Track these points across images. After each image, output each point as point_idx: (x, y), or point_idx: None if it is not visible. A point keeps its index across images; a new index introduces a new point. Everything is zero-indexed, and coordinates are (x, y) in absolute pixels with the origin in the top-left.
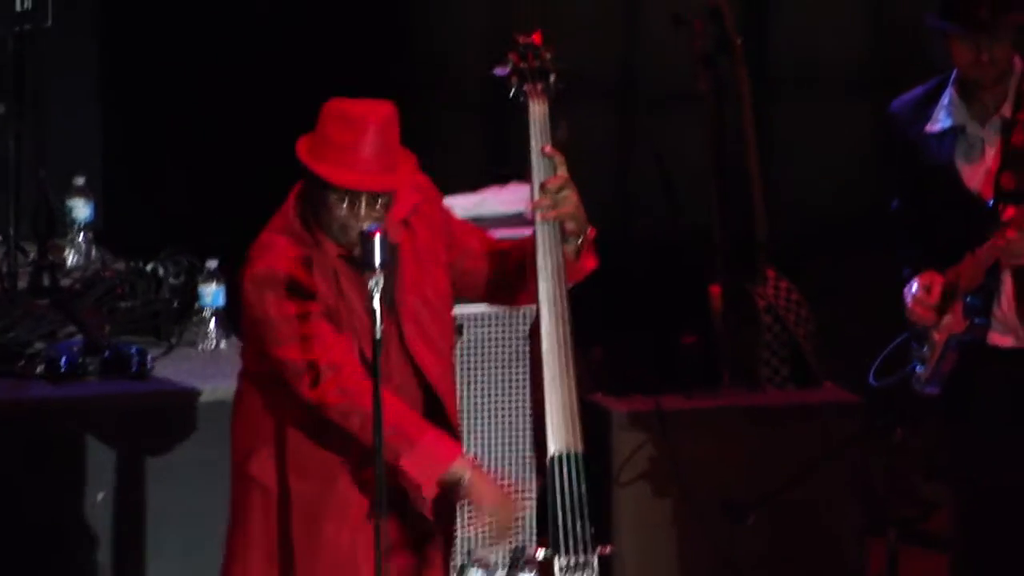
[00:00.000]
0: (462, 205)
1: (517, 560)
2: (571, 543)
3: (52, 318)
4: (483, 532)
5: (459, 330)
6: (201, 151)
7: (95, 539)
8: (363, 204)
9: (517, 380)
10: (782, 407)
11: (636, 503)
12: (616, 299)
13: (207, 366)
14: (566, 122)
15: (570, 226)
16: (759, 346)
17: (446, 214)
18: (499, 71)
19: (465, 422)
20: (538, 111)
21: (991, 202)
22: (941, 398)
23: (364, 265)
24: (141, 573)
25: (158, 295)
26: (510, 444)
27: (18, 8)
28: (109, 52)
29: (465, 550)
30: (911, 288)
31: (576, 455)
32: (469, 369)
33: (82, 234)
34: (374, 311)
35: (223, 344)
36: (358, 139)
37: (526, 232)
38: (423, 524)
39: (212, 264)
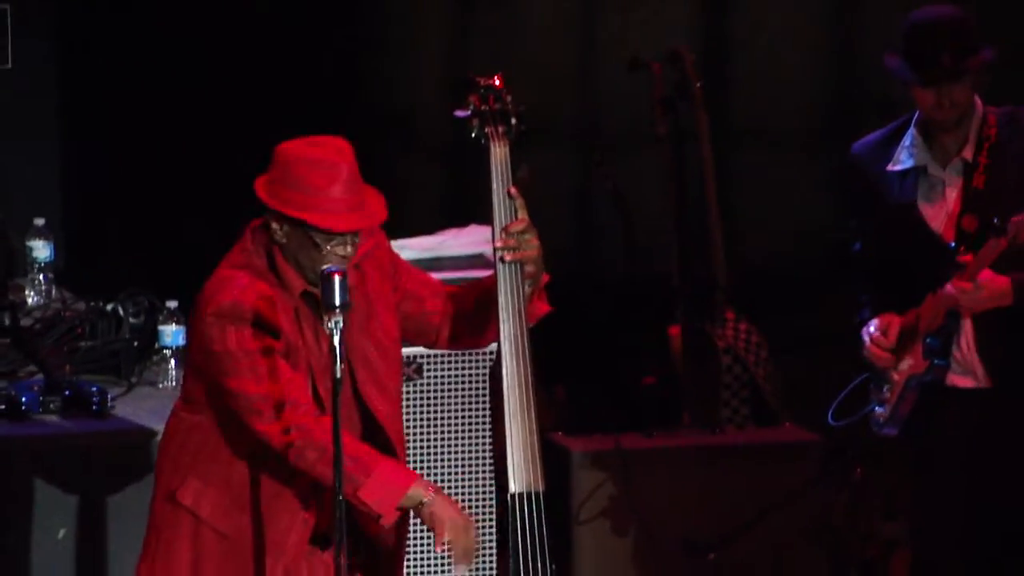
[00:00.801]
0: (422, 247)
1: None
2: None
3: (12, 357)
4: (445, 555)
5: (419, 369)
6: (161, 192)
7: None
8: (347, 243)
9: (477, 419)
10: (742, 447)
11: (596, 541)
12: (577, 339)
13: (167, 405)
14: (527, 164)
15: (529, 269)
16: (719, 387)
17: (394, 257)
18: (460, 113)
19: (425, 460)
20: (499, 153)
21: (952, 244)
22: (900, 439)
23: (325, 305)
24: None
25: (118, 335)
26: (470, 483)
27: None
28: (68, 94)
29: None
30: (868, 329)
31: (537, 494)
32: (429, 408)
33: (42, 274)
34: (334, 349)
35: None
36: (332, 181)
37: (485, 274)
38: (369, 554)
39: (172, 304)
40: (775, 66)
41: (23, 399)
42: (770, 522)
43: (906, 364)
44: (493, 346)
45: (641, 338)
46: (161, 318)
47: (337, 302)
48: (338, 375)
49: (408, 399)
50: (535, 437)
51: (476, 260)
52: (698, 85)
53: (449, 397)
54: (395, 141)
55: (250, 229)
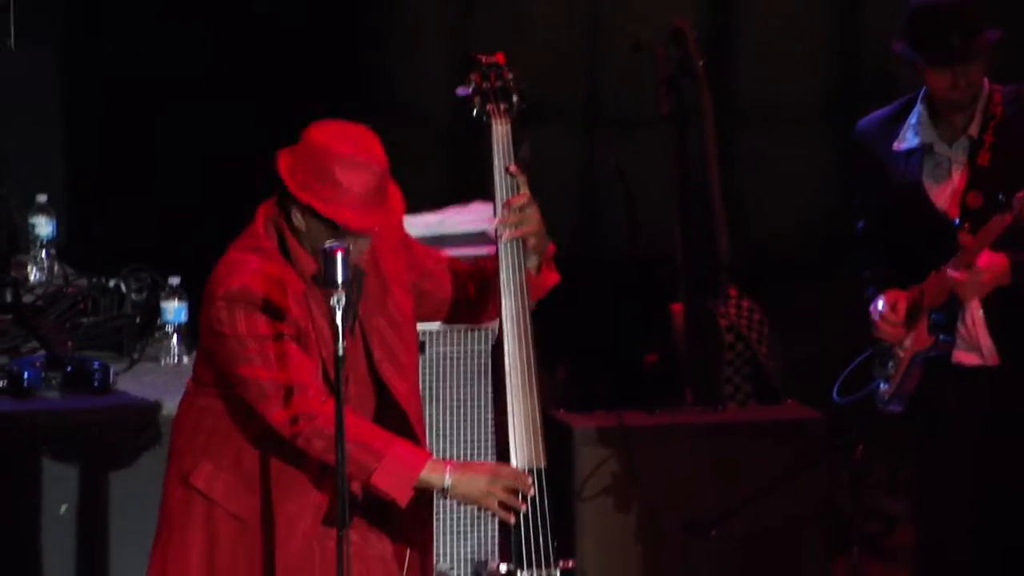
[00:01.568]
0: (424, 223)
1: (479, 574)
2: (534, 557)
3: (15, 333)
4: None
5: (421, 347)
6: (163, 169)
7: (58, 552)
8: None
9: (479, 396)
10: (744, 424)
11: (598, 518)
12: (580, 317)
13: (169, 381)
14: (528, 142)
15: (532, 242)
16: (721, 364)
17: (406, 237)
18: (461, 91)
19: (427, 437)
20: (500, 131)
21: (956, 221)
22: (904, 415)
23: (327, 282)
24: None
25: (120, 311)
26: (472, 459)
27: None
28: (71, 70)
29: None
30: (876, 306)
31: (539, 470)
32: (431, 385)
33: (44, 251)
34: (335, 327)
35: (185, 359)
36: (361, 181)
37: (488, 251)
38: (388, 536)
39: (174, 281)
40: (779, 44)
41: (25, 375)
42: (772, 499)
43: (911, 340)
44: (496, 323)
45: (643, 316)
46: (163, 294)
47: (339, 279)
48: (340, 352)
49: None
50: (537, 414)
51: (479, 237)
52: (700, 63)
53: (451, 374)
54: (398, 120)
55: (262, 210)
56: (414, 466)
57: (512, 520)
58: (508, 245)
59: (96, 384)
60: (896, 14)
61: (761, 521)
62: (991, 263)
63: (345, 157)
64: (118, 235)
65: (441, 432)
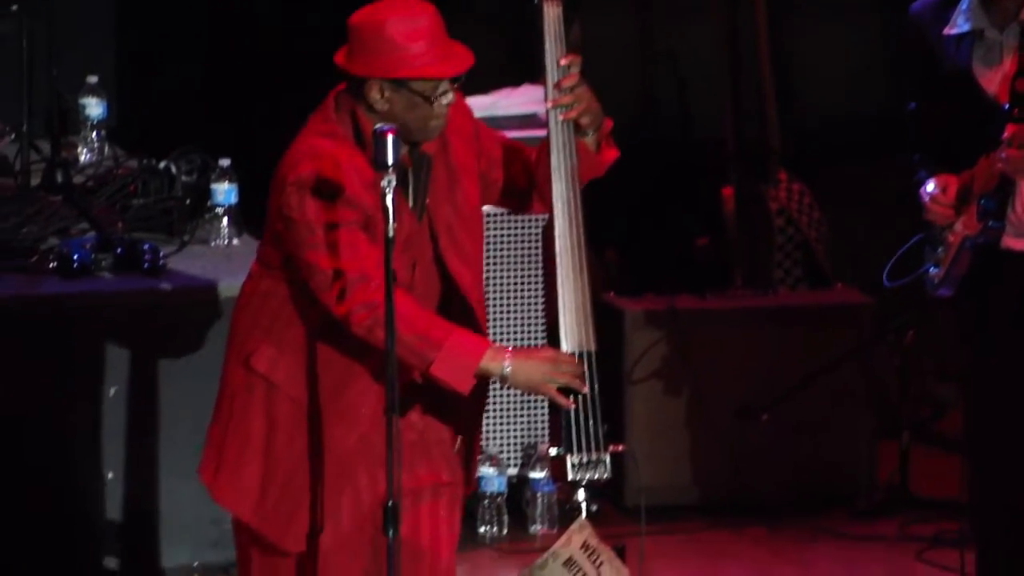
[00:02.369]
0: (475, 106)
1: (530, 457)
2: (584, 441)
3: (65, 214)
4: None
5: None
6: (214, 50)
7: (108, 433)
8: (448, 93)
9: (530, 279)
10: (794, 308)
11: (648, 402)
12: (630, 201)
13: (219, 264)
14: (578, 24)
15: (585, 120)
16: (772, 248)
17: (477, 124)
18: None
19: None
20: (552, 13)
21: (1007, 106)
22: (954, 300)
23: (378, 164)
24: (153, 467)
25: (171, 193)
26: (523, 343)
27: None
28: None
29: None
30: (926, 188)
31: (589, 354)
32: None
33: (95, 132)
34: (386, 209)
35: (235, 242)
36: (418, 34)
37: (539, 133)
38: (441, 428)
39: (225, 162)
40: None
41: (75, 256)
42: (822, 384)
43: (960, 225)
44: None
45: (694, 199)
46: (214, 176)
47: (390, 160)
48: (391, 234)
49: None
50: (587, 297)
51: (529, 120)
52: None
53: (504, 257)
54: (449, 4)
55: (333, 96)
56: (474, 355)
57: (572, 405)
58: (559, 127)
59: (146, 266)
60: None
61: (811, 406)
62: None
63: (395, 18)
64: (168, 117)
65: (494, 316)
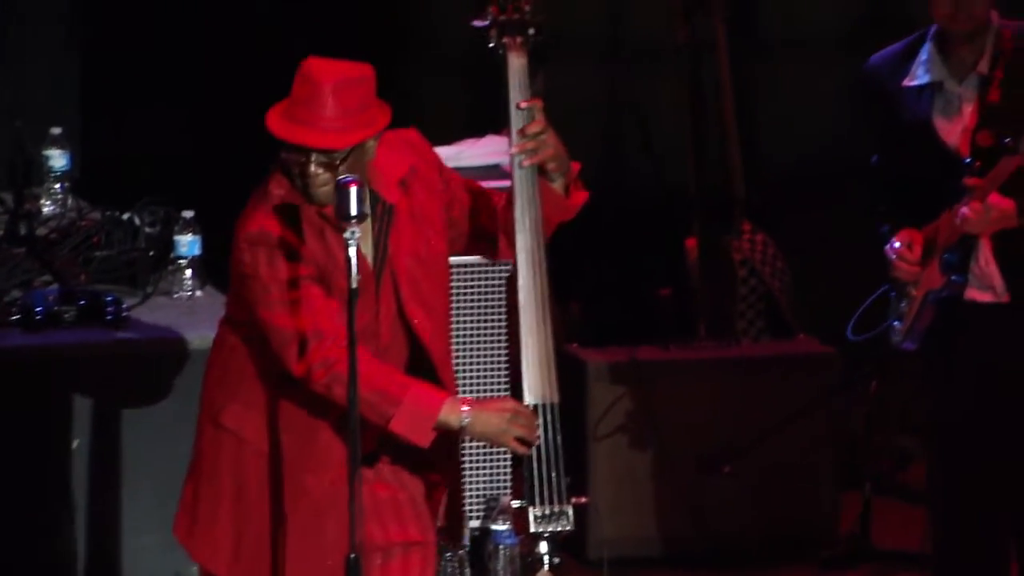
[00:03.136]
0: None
1: (492, 509)
2: (546, 493)
3: (28, 266)
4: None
5: None
6: (177, 102)
7: (70, 486)
8: (311, 163)
9: (494, 330)
10: (757, 359)
11: (611, 454)
12: (593, 251)
13: (182, 315)
14: (543, 74)
15: (552, 166)
16: (735, 299)
17: (445, 173)
18: (478, 23)
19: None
20: (516, 64)
21: (968, 159)
22: (918, 351)
23: (340, 216)
24: (116, 520)
25: (134, 244)
26: (486, 395)
27: None
28: (87, 3)
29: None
30: (893, 244)
31: (552, 406)
32: None
33: (59, 183)
34: (349, 260)
35: (199, 293)
36: (311, 96)
37: (503, 183)
38: (415, 484)
39: (188, 214)
40: None
41: (38, 308)
42: (785, 435)
43: (923, 279)
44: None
45: (657, 250)
46: (177, 228)
47: (353, 212)
48: (354, 285)
49: None
50: (550, 349)
51: (493, 170)
52: None
53: (466, 309)
54: (414, 54)
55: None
56: (432, 408)
57: (527, 452)
58: (523, 177)
59: (109, 318)
60: None
61: (774, 457)
62: (999, 203)
63: (303, 74)
64: (132, 168)
65: (457, 366)
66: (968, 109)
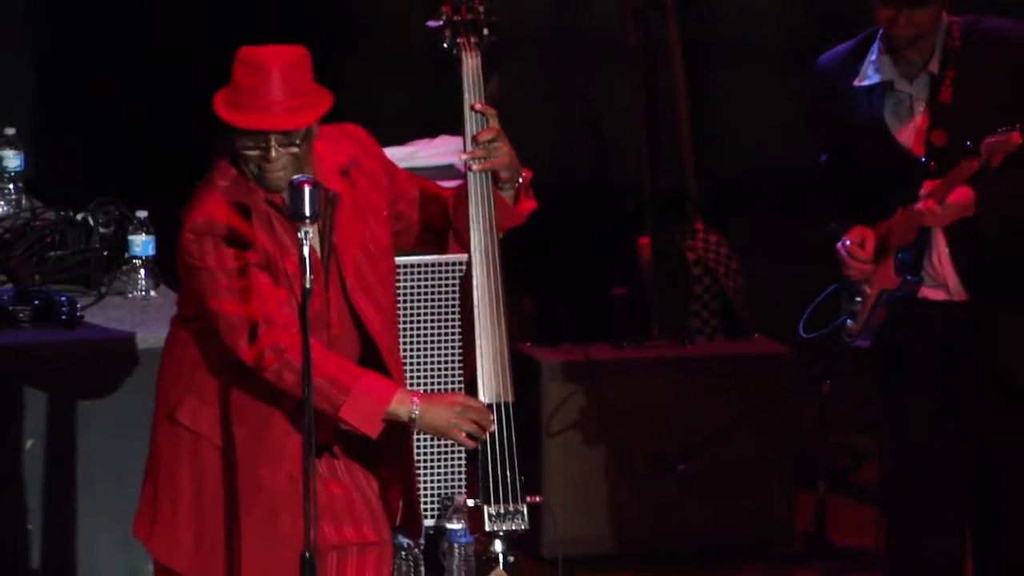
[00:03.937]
0: (393, 157)
1: (447, 508)
2: (501, 492)
3: None
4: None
5: None
6: (132, 102)
7: (25, 487)
8: (272, 147)
9: (447, 330)
10: (711, 358)
11: (565, 453)
12: (547, 251)
13: (137, 315)
14: (497, 75)
15: (504, 175)
16: (689, 298)
17: (389, 167)
18: (432, 24)
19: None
20: (470, 64)
21: (922, 159)
22: (871, 350)
23: (294, 216)
24: (71, 519)
25: (88, 244)
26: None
27: None
28: (38, 3)
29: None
30: (844, 243)
31: (506, 404)
32: (399, 319)
33: (12, 184)
34: (303, 260)
35: (153, 293)
36: (261, 81)
37: (457, 183)
38: (369, 482)
39: (142, 214)
40: None
41: None
42: (739, 434)
43: (877, 278)
44: (463, 257)
45: (611, 249)
46: (131, 228)
47: (307, 212)
48: (308, 284)
49: None
50: (504, 348)
51: (446, 171)
52: None
53: (419, 308)
54: (366, 53)
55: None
56: (382, 399)
57: (474, 446)
58: (477, 178)
59: (64, 318)
60: None
61: (728, 456)
62: (958, 197)
63: (244, 60)
64: (86, 168)
65: (410, 366)
66: (920, 109)
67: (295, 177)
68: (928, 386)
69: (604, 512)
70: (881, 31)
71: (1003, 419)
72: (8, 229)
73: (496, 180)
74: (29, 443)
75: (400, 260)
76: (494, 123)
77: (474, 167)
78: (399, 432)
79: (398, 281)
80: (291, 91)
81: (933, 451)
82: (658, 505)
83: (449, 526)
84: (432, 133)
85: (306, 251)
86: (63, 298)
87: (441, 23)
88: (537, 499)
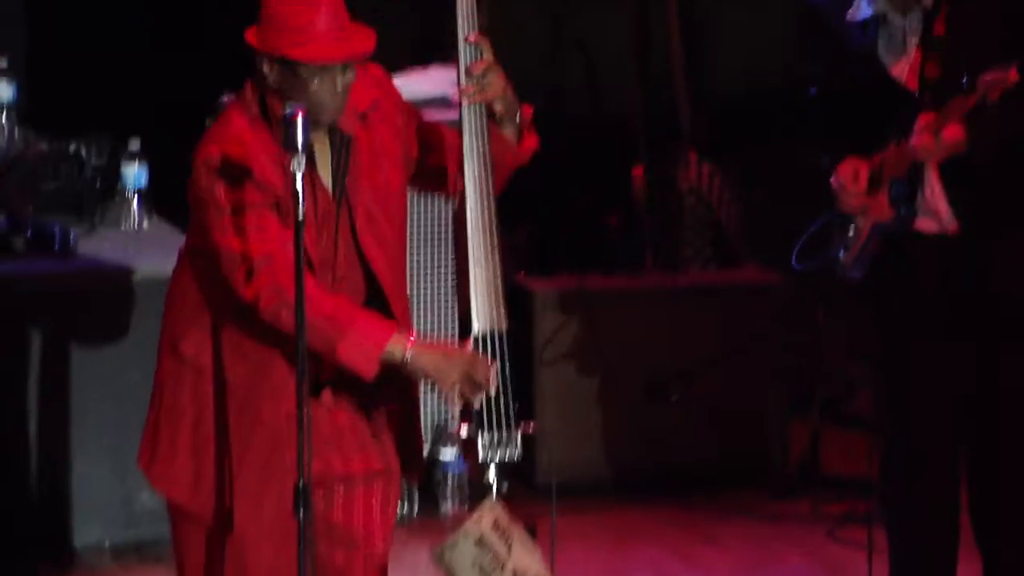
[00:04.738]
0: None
1: (441, 437)
2: (495, 420)
3: None
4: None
5: None
6: (124, 31)
7: (19, 414)
8: (337, 77)
9: (442, 260)
10: (705, 287)
11: (559, 381)
12: (541, 181)
13: (129, 246)
14: (486, 6)
15: (499, 108)
16: (682, 228)
17: (406, 109)
18: None
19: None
20: None
21: (916, 92)
22: (865, 280)
23: (287, 147)
24: (65, 449)
25: (81, 175)
26: (434, 324)
27: None
28: None
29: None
30: (837, 176)
31: (500, 334)
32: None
33: (5, 114)
34: (296, 193)
35: (145, 224)
36: (311, 14)
37: (451, 115)
38: (374, 400)
39: (135, 145)
40: None
41: None
42: (732, 363)
43: (871, 210)
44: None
45: (604, 179)
46: (123, 159)
47: (299, 144)
48: (300, 217)
49: None
50: (498, 277)
51: (439, 102)
52: None
53: (414, 239)
54: None
55: (249, 79)
56: (379, 340)
57: (459, 405)
58: (471, 111)
59: (57, 248)
60: None
61: (722, 385)
62: (950, 135)
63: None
64: (79, 99)
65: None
66: (913, 42)
67: (288, 108)
68: (922, 317)
69: (598, 440)
70: None
71: (997, 349)
72: (1, 160)
73: (492, 114)
74: (25, 371)
75: None
76: (488, 55)
77: (467, 100)
78: (397, 371)
79: None
80: (341, 19)
81: (928, 381)
82: (652, 434)
83: (443, 454)
84: (425, 62)
85: (298, 183)
86: (56, 228)
87: None
88: (531, 428)
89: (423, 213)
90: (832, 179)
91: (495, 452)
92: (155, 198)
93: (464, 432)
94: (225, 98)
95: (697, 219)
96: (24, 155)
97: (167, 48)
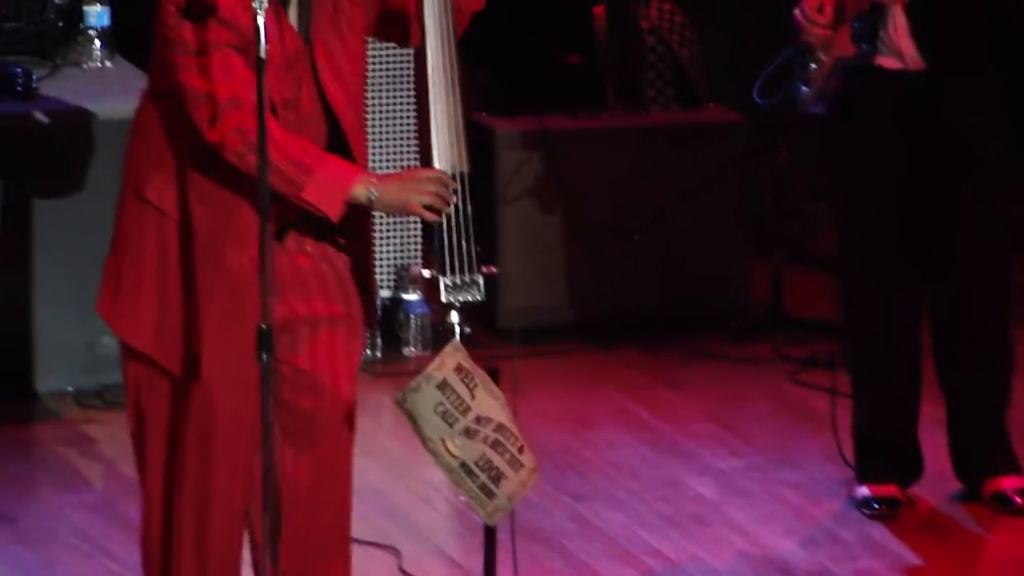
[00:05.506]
0: None
1: (403, 279)
2: (456, 263)
3: None
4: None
5: None
6: None
7: None
8: None
9: (402, 100)
10: (667, 127)
11: (520, 222)
12: (502, 19)
13: (92, 86)
14: None
15: None
16: (643, 67)
17: None
18: None
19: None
20: None
21: None
22: (826, 117)
23: None
24: (27, 292)
25: (43, 15)
26: (395, 165)
27: None
28: None
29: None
30: (803, 8)
31: (461, 174)
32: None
33: None
34: (258, 29)
35: (108, 64)
36: None
37: None
38: (337, 258)
39: None
40: None
41: None
42: (695, 203)
43: (833, 45)
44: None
45: (566, 18)
46: None
47: None
48: (262, 55)
49: None
50: (459, 117)
51: None
52: None
53: (373, 78)
54: None
55: None
56: (344, 181)
57: (438, 219)
58: None
59: (19, 89)
60: None
61: (684, 225)
62: None
63: None
64: None
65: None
66: None
67: None
68: (882, 152)
69: (560, 283)
70: None
71: (957, 187)
72: None
73: None
74: None
75: None
76: None
77: None
78: (359, 213)
79: None
80: None
81: (888, 221)
82: (615, 275)
83: (405, 296)
84: None
85: (260, 20)
86: (18, 69)
87: None
88: (493, 270)
89: (382, 50)
90: (796, 11)
91: (457, 295)
92: (118, 38)
93: (427, 274)
94: None
95: (658, 58)
96: None
97: None
